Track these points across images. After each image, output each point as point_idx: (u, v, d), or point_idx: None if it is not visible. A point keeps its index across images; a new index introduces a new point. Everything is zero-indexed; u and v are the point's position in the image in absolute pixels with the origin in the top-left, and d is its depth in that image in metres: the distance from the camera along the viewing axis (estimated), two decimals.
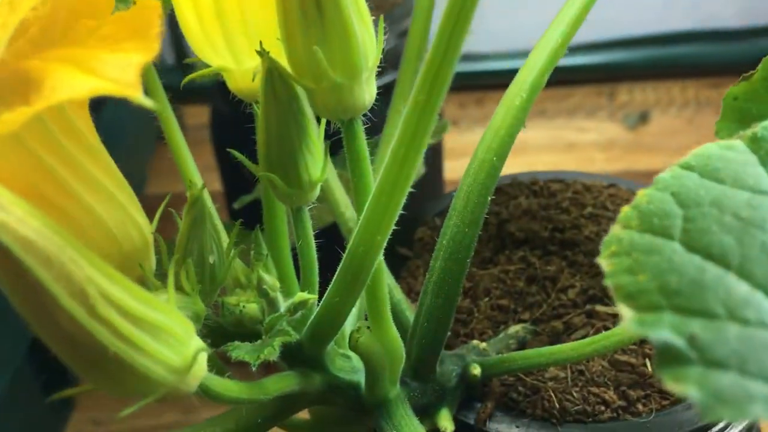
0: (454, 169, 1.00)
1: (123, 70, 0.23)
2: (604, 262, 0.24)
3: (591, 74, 1.45)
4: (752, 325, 0.20)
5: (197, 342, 0.28)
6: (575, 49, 1.32)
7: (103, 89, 0.23)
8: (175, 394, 0.28)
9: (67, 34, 0.29)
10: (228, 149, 0.36)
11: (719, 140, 0.41)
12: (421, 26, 0.50)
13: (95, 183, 0.32)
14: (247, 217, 0.41)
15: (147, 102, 0.23)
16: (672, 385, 0.19)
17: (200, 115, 1.06)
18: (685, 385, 0.19)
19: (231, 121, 0.63)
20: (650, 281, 0.22)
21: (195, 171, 0.42)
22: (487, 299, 0.51)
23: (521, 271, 0.53)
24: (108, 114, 1.14)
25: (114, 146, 0.35)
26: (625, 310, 0.22)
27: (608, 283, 0.23)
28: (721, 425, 0.43)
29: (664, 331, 0.20)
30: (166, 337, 0.27)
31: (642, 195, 0.25)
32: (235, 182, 0.90)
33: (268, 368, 0.38)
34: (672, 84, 1.46)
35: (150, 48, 0.25)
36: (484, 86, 1.40)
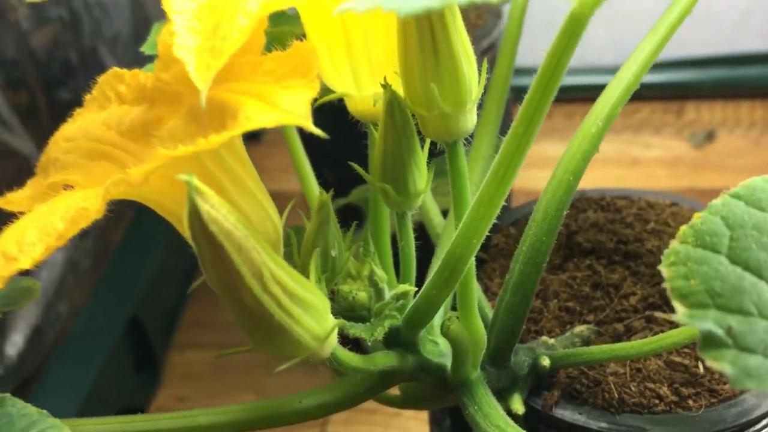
0: (522, 178, 1.06)
1: (298, 105, 0.31)
2: (664, 269, 0.30)
3: (660, 91, 1.48)
4: None
5: (332, 318, 0.36)
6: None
7: (284, 120, 0.30)
8: (314, 358, 0.35)
9: (237, 68, 0.37)
10: (349, 162, 0.43)
11: None
12: (506, 65, 0.56)
13: (245, 186, 0.40)
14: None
15: (318, 131, 0.30)
16: (711, 363, 0.26)
17: None
18: (722, 364, 0.25)
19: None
20: (700, 285, 0.29)
21: (313, 182, 0.49)
22: (555, 301, 0.57)
23: (587, 278, 0.59)
24: None
25: None
26: (678, 307, 0.28)
27: (666, 285, 0.30)
28: (762, 423, 0.49)
29: (709, 323, 0.27)
30: (312, 311, 0.34)
31: (697, 217, 0.32)
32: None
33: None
34: (740, 104, 1.48)
35: (313, 86, 0.32)
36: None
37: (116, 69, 0.49)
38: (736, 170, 1.37)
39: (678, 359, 0.52)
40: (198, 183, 0.29)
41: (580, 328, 0.55)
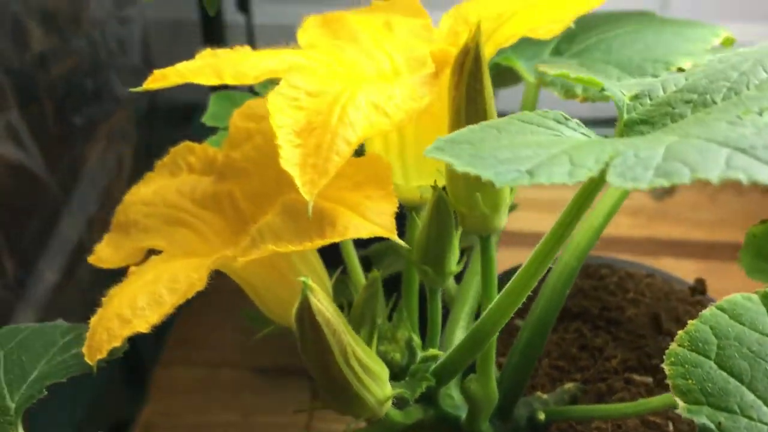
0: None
1: (385, 218, 0.39)
2: (666, 367, 0.39)
3: None
4: (755, 421, 0.34)
5: (389, 384, 0.43)
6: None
7: (376, 233, 0.38)
8: (374, 416, 0.43)
9: None
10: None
11: (741, 263, 0.56)
12: None
13: (309, 262, 0.48)
14: None
15: (403, 243, 0.38)
16: None
17: None
18: None
19: None
20: (695, 385, 0.37)
21: (356, 258, 0.57)
22: (547, 360, 0.66)
23: (575, 340, 0.67)
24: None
25: None
26: (679, 401, 0.37)
27: (669, 381, 0.38)
28: None
29: (704, 418, 0.35)
30: (378, 380, 0.42)
31: (691, 324, 0.40)
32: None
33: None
34: None
35: (393, 200, 0.40)
36: None
37: (188, 142, 0.56)
38: (692, 223, 1.48)
39: (653, 418, 0.60)
40: (310, 282, 0.36)
41: (568, 386, 0.63)
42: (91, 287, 1.13)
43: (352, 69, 0.50)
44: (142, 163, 1.23)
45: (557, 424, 0.60)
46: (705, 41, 0.60)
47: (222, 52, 0.50)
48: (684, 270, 1.31)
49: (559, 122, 0.37)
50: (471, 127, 0.38)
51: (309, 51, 0.49)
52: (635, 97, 0.39)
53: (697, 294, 0.71)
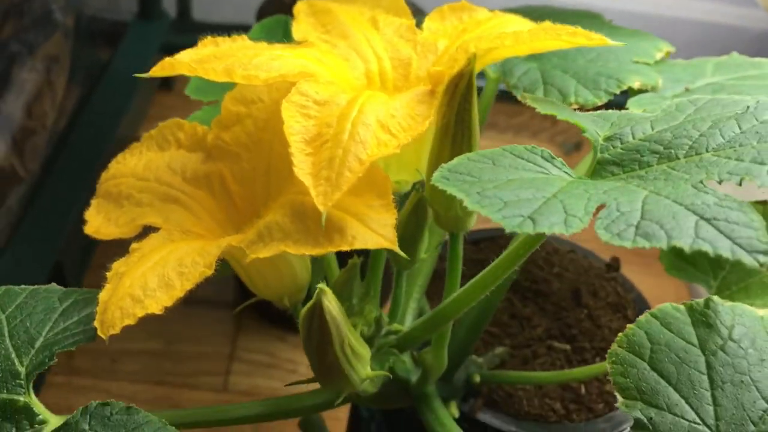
0: None
1: (387, 230, 0.44)
2: (608, 365, 0.46)
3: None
4: (678, 417, 0.43)
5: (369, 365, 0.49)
6: None
7: (380, 245, 0.43)
8: (354, 390, 0.49)
9: None
10: None
11: (661, 260, 0.65)
12: None
13: (291, 264, 0.53)
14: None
15: (403, 254, 0.43)
16: None
17: None
18: None
19: None
20: (632, 383, 0.45)
21: None
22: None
23: (506, 309, 0.76)
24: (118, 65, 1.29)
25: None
26: (618, 396, 0.45)
27: (610, 378, 0.46)
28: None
29: (637, 412, 0.43)
30: (363, 361, 0.48)
31: (630, 328, 0.48)
32: None
33: None
34: None
35: (393, 211, 0.45)
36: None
37: (177, 119, 0.58)
38: None
39: (569, 383, 0.70)
40: (324, 287, 0.41)
41: (499, 350, 0.72)
42: (18, 212, 1.13)
43: (344, 69, 0.54)
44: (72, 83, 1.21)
45: (488, 385, 0.69)
46: (650, 55, 0.67)
47: (222, 42, 0.53)
48: (592, 231, 1.43)
49: (545, 159, 0.43)
50: (469, 156, 0.43)
51: (308, 50, 0.53)
52: (608, 139, 0.45)
53: (612, 271, 0.80)
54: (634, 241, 0.35)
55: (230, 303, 1.26)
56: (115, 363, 1.19)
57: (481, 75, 0.71)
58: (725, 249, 0.33)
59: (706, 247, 0.33)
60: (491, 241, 0.81)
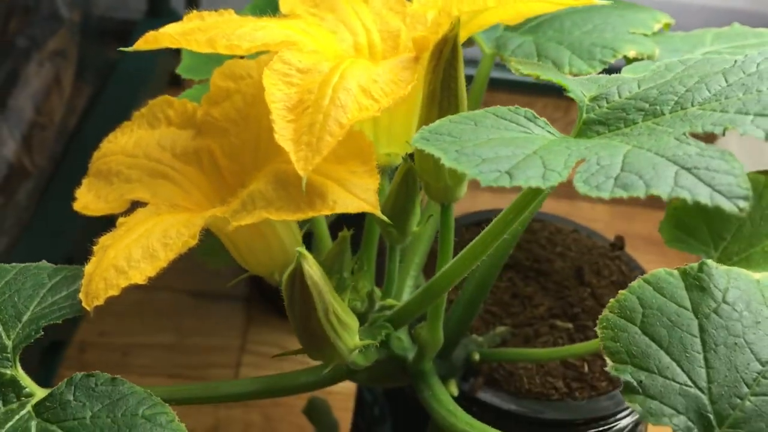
0: None
1: (369, 194, 0.43)
2: (599, 330, 0.46)
3: (553, 90, 1.67)
4: (669, 380, 0.42)
5: (358, 335, 0.49)
6: None
7: (362, 209, 0.43)
8: (343, 361, 0.48)
9: None
10: None
11: (661, 233, 0.64)
12: None
13: (287, 224, 0.52)
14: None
15: (384, 217, 0.42)
16: (628, 403, 0.41)
17: None
18: (634, 404, 0.41)
19: None
20: (622, 347, 0.44)
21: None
22: (482, 305, 0.73)
23: (508, 288, 0.75)
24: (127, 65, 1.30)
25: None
26: (608, 360, 0.44)
27: (600, 343, 0.45)
28: (622, 414, 0.67)
29: (628, 376, 0.42)
30: (350, 332, 0.47)
31: (621, 294, 0.47)
32: None
33: None
34: None
35: (376, 176, 0.45)
36: None
37: (166, 96, 0.58)
38: None
39: (571, 360, 0.69)
40: (304, 251, 0.41)
41: (500, 329, 0.71)
42: (28, 206, 1.14)
43: (331, 41, 0.53)
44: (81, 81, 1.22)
45: (489, 363, 0.68)
46: (647, 26, 0.66)
47: (208, 16, 0.53)
48: (597, 212, 1.41)
49: (528, 119, 0.42)
50: (451, 118, 0.43)
51: (294, 22, 0.52)
52: (594, 99, 0.44)
53: (617, 250, 0.79)
54: (612, 191, 0.34)
55: (240, 296, 1.26)
56: (127, 356, 1.19)
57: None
58: (704, 196, 0.32)
59: (684, 194, 0.33)
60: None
